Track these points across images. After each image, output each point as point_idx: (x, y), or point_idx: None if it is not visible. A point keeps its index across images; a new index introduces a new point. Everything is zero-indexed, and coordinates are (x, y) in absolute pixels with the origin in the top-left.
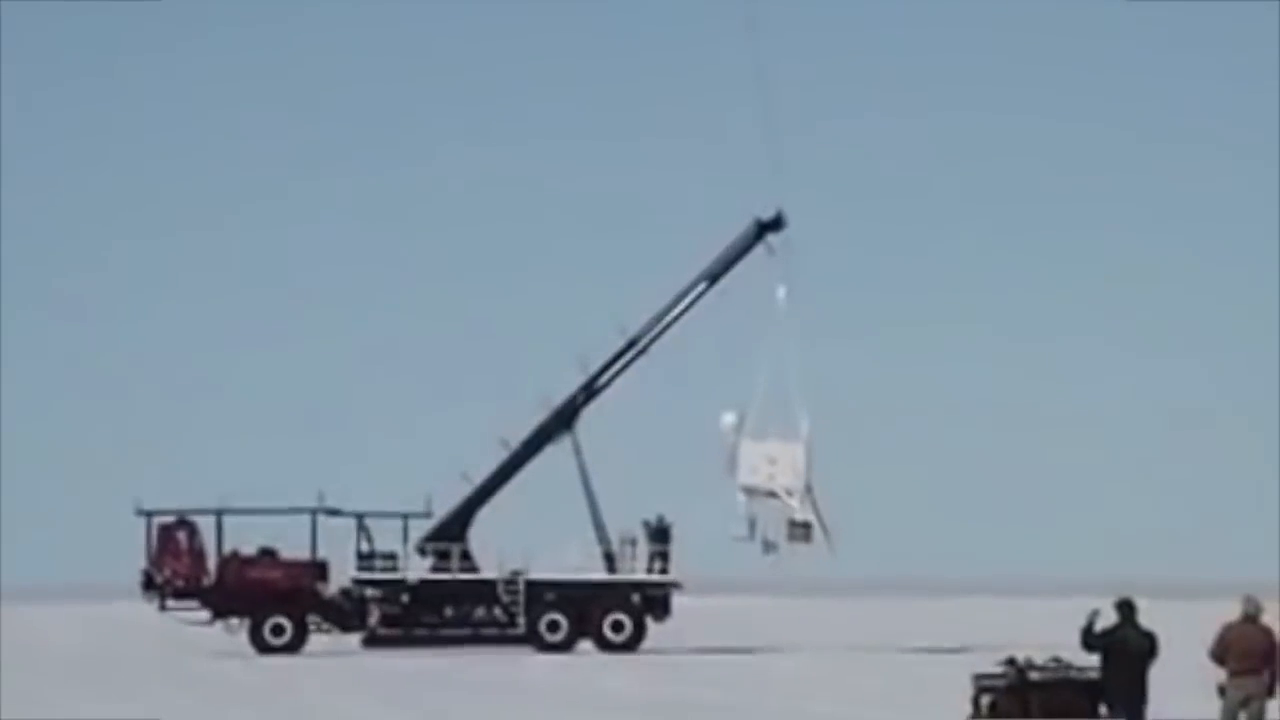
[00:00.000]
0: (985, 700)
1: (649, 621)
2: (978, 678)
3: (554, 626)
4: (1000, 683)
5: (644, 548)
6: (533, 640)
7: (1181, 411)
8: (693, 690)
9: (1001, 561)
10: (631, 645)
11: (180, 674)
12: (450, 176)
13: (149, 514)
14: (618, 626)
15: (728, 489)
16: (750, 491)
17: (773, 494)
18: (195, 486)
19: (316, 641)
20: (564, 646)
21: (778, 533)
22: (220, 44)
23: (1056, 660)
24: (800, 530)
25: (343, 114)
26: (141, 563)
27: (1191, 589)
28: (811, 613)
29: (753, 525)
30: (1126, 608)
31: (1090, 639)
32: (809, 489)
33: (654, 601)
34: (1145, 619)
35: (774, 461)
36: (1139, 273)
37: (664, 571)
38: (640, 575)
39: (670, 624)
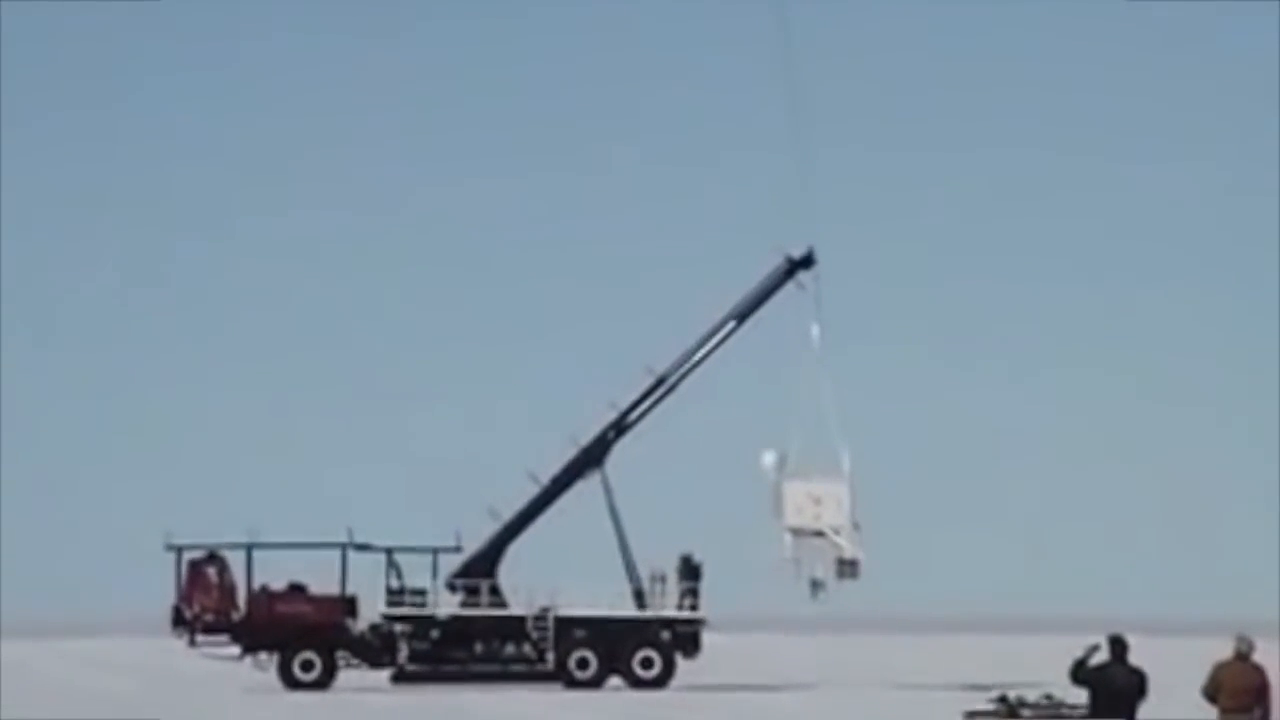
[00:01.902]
0: None
1: (679, 658)
2: (970, 715)
3: (583, 663)
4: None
5: (674, 584)
6: (562, 677)
7: (1181, 447)
8: None
9: (1042, 596)
10: (661, 682)
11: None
12: (477, 209)
13: (179, 549)
14: (647, 663)
15: (760, 525)
16: (797, 532)
17: (820, 533)
18: (224, 521)
19: (345, 677)
20: (593, 683)
21: (826, 571)
22: (246, 58)
23: (1048, 697)
24: (849, 568)
25: (367, 150)
26: (171, 598)
27: (1185, 626)
28: (847, 650)
29: (799, 565)
30: (1118, 645)
31: (1080, 674)
32: (856, 526)
33: (684, 638)
34: (1139, 656)
35: (819, 501)
36: (1139, 301)
37: (694, 608)
38: (670, 612)
39: (702, 661)
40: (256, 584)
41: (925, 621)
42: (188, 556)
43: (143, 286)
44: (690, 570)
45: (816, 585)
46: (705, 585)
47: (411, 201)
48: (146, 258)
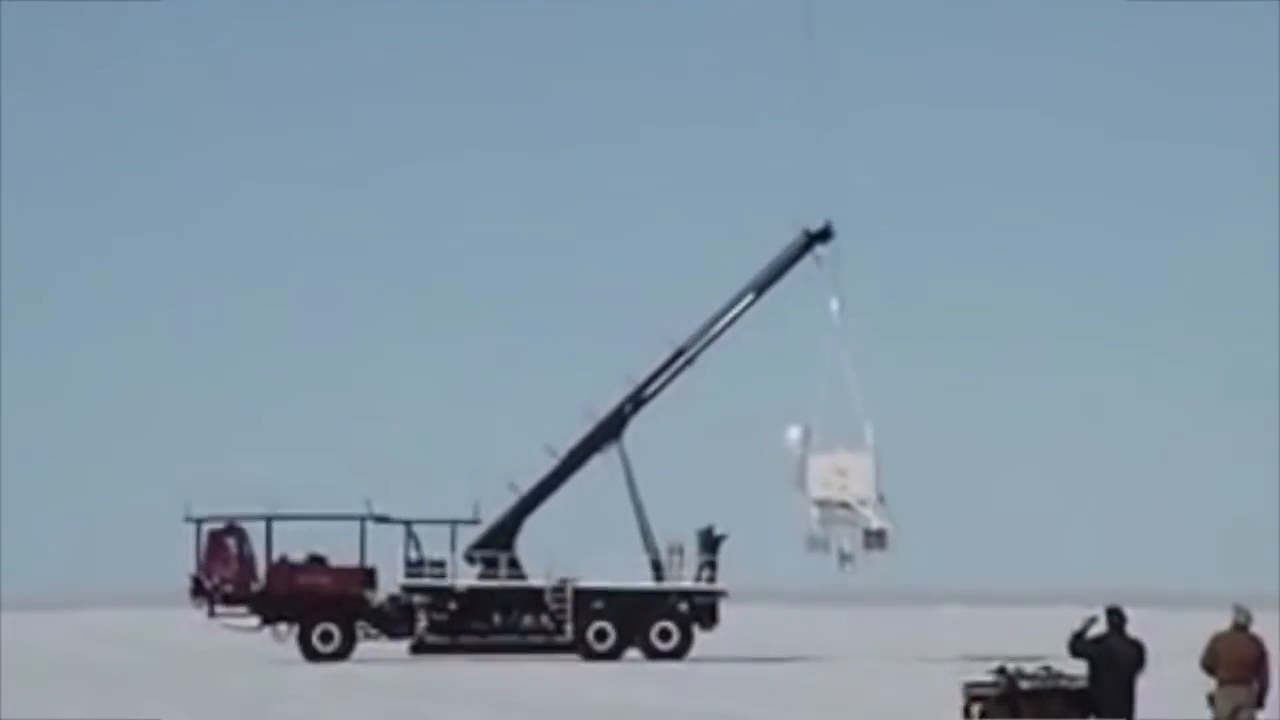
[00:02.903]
0: (976, 709)
1: (697, 630)
2: (969, 686)
3: (601, 635)
4: (991, 691)
5: (692, 556)
6: (580, 648)
7: (1179, 419)
8: (686, 699)
9: (1055, 569)
10: (679, 654)
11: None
12: (495, 183)
13: (198, 520)
14: (665, 635)
15: (779, 497)
16: (823, 504)
17: (845, 505)
18: (244, 492)
19: (364, 648)
20: (611, 655)
21: (853, 543)
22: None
23: (1047, 669)
24: (875, 538)
25: (382, 123)
26: (191, 568)
27: (1183, 598)
28: (868, 623)
29: (826, 537)
30: (1116, 616)
31: (1078, 645)
32: (881, 497)
33: (701, 610)
34: (1137, 628)
35: (844, 473)
36: (1145, 278)
37: (711, 580)
38: (688, 584)
39: (721, 633)
40: (276, 555)
41: (948, 593)
42: (207, 528)
43: (161, 258)
44: (708, 542)
45: (844, 557)
46: (725, 558)
47: (428, 173)
48: (165, 229)
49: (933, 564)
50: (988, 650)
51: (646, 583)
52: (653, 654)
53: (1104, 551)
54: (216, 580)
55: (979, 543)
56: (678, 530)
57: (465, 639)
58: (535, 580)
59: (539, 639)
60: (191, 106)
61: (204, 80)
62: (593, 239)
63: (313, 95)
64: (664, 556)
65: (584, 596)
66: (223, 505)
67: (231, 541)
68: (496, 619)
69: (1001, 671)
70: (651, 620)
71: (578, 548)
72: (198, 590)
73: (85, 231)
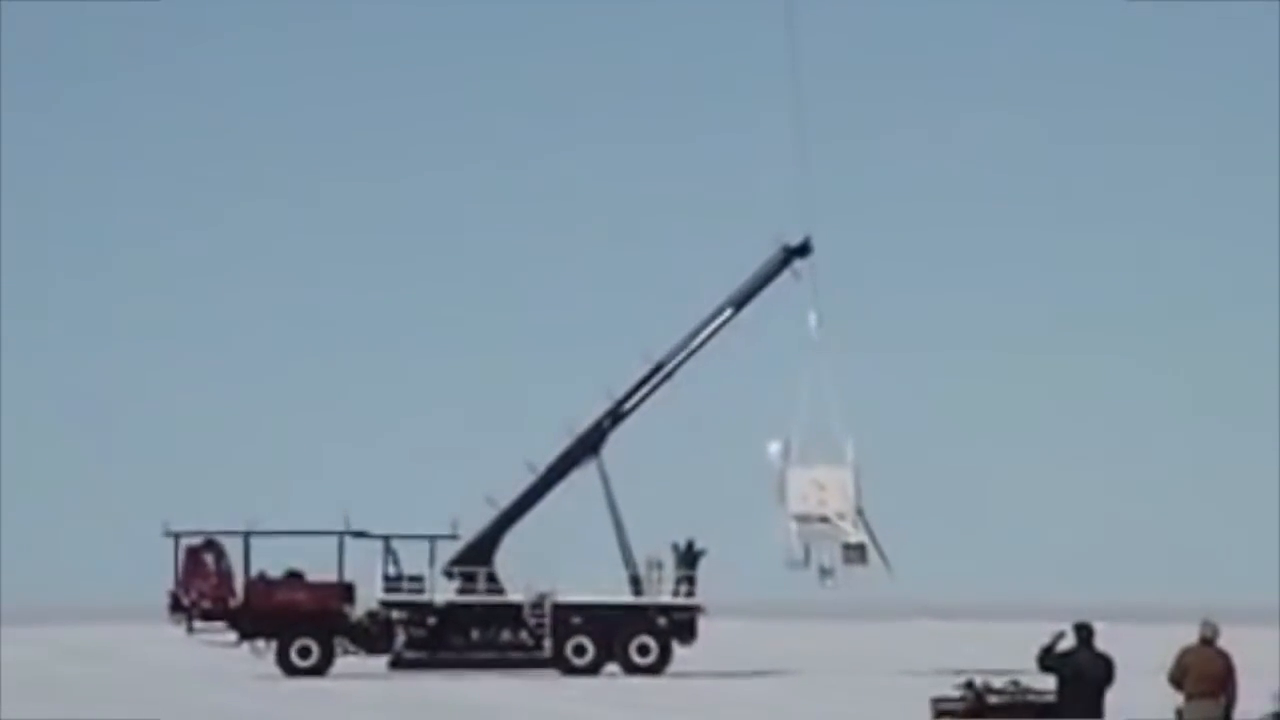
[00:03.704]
0: None
1: (675, 645)
2: (936, 701)
3: (580, 650)
4: (959, 705)
5: (670, 571)
6: (559, 663)
7: (1153, 435)
8: (658, 714)
9: (1035, 583)
10: (657, 669)
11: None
12: (474, 197)
13: (176, 535)
14: (644, 650)
15: (757, 512)
16: (802, 519)
17: (824, 519)
18: (222, 508)
19: (343, 664)
20: (590, 670)
21: (833, 557)
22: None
23: (1014, 683)
24: (855, 553)
25: (358, 140)
26: (169, 584)
27: (1151, 613)
28: (847, 637)
29: (807, 552)
30: (1084, 631)
31: (1047, 660)
32: (860, 512)
33: (680, 625)
34: (1104, 643)
35: (823, 487)
36: (1127, 294)
37: (690, 595)
38: (666, 599)
39: (700, 648)
40: (254, 571)
41: (921, 608)
42: (185, 543)
43: (140, 275)
44: (687, 557)
45: (825, 572)
46: (704, 572)
47: (404, 192)
48: (143, 246)
49: (907, 578)
50: (959, 664)
51: (625, 598)
52: (631, 669)
53: (1074, 566)
54: (194, 596)
55: (952, 557)
56: (656, 545)
57: (444, 654)
58: (514, 595)
59: (518, 654)
60: (179, 123)
61: (197, 92)
62: (571, 253)
63: (300, 108)
64: (643, 571)
65: (563, 611)
66: (201, 521)
67: (209, 557)
68: (475, 634)
69: (969, 685)
70: (630, 635)
71: (556, 563)
72: (176, 606)
73: (63, 249)
